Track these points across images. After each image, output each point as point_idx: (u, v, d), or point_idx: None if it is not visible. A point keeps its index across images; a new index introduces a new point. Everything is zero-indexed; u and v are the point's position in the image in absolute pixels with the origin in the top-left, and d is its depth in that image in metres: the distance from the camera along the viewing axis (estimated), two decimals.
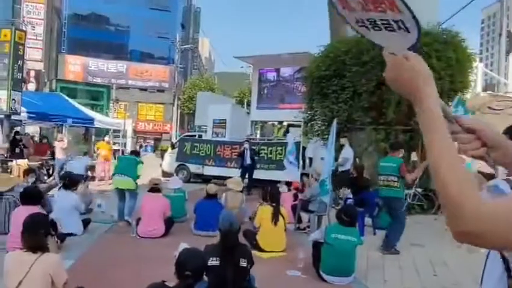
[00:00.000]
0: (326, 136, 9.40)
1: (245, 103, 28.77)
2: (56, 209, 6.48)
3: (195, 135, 17.35)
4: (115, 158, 16.76)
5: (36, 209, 5.09)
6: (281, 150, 13.11)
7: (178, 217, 7.72)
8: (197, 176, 15.56)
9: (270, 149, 13.56)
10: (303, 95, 13.04)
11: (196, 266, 2.81)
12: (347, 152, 10.21)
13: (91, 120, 15.02)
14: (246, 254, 3.81)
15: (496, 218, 0.79)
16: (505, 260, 1.33)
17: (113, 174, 8.04)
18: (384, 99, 9.96)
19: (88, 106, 23.17)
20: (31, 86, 35.38)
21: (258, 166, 13.05)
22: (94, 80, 44.80)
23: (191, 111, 39.98)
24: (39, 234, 3.25)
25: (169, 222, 7.02)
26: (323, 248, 5.01)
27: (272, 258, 5.82)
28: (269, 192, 6.52)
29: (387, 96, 9.88)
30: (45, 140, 15.94)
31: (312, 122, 12.26)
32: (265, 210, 6.21)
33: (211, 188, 7.61)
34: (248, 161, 12.72)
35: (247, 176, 12.75)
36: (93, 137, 19.59)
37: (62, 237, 5.94)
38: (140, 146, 41.67)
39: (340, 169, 9.85)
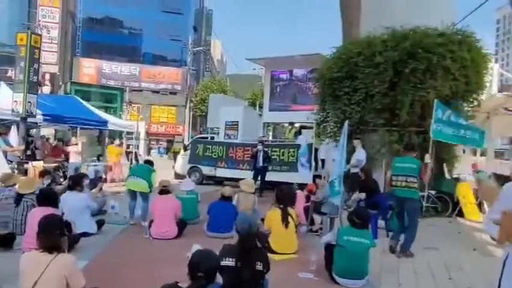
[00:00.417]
0: (339, 138, 9.36)
1: (257, 105, 28.78)
2: (66, 210, 6.54)
3: (207, 137, 17.41)
4: (128, 160, 16.95)
5: (52, 210, 5.17)
6: (293, 152, 13.09)
7: (191, 219, 7.75)
8: (209, 178, 15.61)
9: (282, 150, 13.54)
10: (316, 96, 13.01)
11: (209, 267, 2.81)
12: (360, 154, 10.15)
13: (105, 122, 15.16)
14: (263, 258, 3.80)
15: None
16: None
17: (128, 177, 8.14)
18: (397, 100, 9.89)
19: (102, 108, 23.46)
20: (46, 89, 35.95)
21: (270, 168, 13.04)
22: (108, 83, 45.29)
23: (203, 113, 40.14)
24: (54, 235, 3.29)
25: (181, 224, 7.05)
26: (335, 250, 4.98)
27: (284, 260, 5.80)
28: (276, 194, 6.51)
29: (400, 97, 9.81)
30: (60, 143, 16.12)
31: (325, 124, 12.22)
32: (274, 213, 6.20)
33: (226, 190, 7.63)
34: (261, 162, 12.72)
35: (259, 178, 12.75)
36: (106, 139, 19.78)
37: (77, 238, 6.01)
38: (150, 149, 41.94)
39: (352, 171, 9.80)
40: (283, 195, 6.46)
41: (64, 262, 3.17)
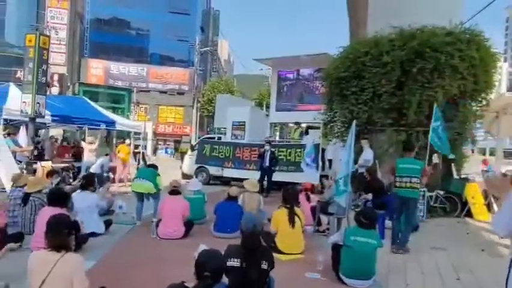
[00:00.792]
0: (346, 138, 9.34)
1: (264, 105, 28.78)
2: (76, 210, 6.60)
3: (214, 138, 17.44)
4: (135, 160, 17.01)
5: (61, 210, 5.21)
6: (300, 152, 13.06)
7: (198, 219, 7.76)
8: (216, 178, 15.63)
9: (289, 151, 13.52)
10: (322, 95, 12.99)
11: (215, 266, 2.82)
12: (368, 154, 10.11)
13: (113, 123, 15.24)
14: (268, 257, 3.81)
15: None
16: None
17: (133, 179, 8.19)
18: (404, 100, 9.85)
19: (110, 109, 23.57)
20: (55, 90, 36.21)
21: (277, 168, 13.02)
22: (115, 83, 45.50)
23: (210, 114, 40.21)
24: (62, 234, 3.31)
25: (188, 224, 7.07)
26: (342, 250, 4.96)
27: (291, 260, 5.79)
28: (282, 194, 6.50)
29: (408, 97, 9.76)
30: (65, 143, 16.24)
31: (332, 124, 12.19)
32: (280, 213, 6.19)
33: (233, 190, 7.64)
34: (267, 163, 12.71)
35: (266, 179, 12.75)
36: (114, 140, 19.88)
37: (85, 237, 6.05)
38: (156, 149, 42.03)
39: (360, 171, 9.77)
40: (289, 195, 6.46)
41: (71, 261, 3.19)
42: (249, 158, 14.15)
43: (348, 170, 7.10)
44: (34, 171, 10.59)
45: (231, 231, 6.83)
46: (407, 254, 6.40)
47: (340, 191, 7.10)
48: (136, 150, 17.57)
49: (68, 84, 40.09)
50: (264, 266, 3.70)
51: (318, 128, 14.13)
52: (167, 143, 47.28)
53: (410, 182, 6.51)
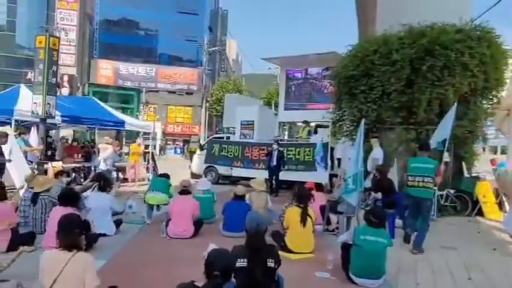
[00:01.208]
0: (355, 137, 9.29)
1: (272, 104, 28.76)
2: (87, 209, 6.65)
3: (223, 137, 17.47)
4: (145, 160, 17.08)
5: (71, 210, 5.26)
6: (309, 151, 13.04)
7: (207, 218, 7.78)
8: (225, 177, 15.67)
9: (298, 150, 13.50)
10: (331, 94, 12.94)
11: (224, 265, 2.83)
12: (377, 153, 10.05)
13: (122, 123, 15.32)
14: (273, 254, 3.80)
15: None
16: None
17: (147, 192, 8.23)
18: (414, 98, 9.78)
19: (119, 109, 23.71)
20: (65, 91, 36.55)
21: (286, 167, 13.01)
22: (125, 84, 45.78)
23: (219, 113, 40.27)
24: (74, 234, 3.35)
25: (198, 224, 7.10)
26: (351, 249, 4.94)
27: (300, 259, 5.79)
28: (297, 192, 6.48)
29: (417, 95, 9.69)
30: (75, 143, 16.36)
31: (341, 123, 12.14)
32: (293, 211, 6.18)
33: (240, 189, 7.65)
34: (274, 162, 12.71)
35: (274, 178, 12.75)
36: (124, 140, 19.99)
37: (95, 237, 6.10)
38: (162, 149, 42.16)
39: (369, 170, 9.72)
40: (304, 194, 6.45)
41: (82, 260, 3.23)
42: (258, 157, 14.15)
43: (357, 168, 7.06)
44: (45, 172, 10.69)
45: (240, 230, 6.82)
46: (421, 254, 6.33)
47: (348, 189, 7.07)
48: (145, 150, 17.62)
49: (78, 84, 40.45)
50: (271, 264, 3.69)
51: (327, 126, 14.09)
52: (176, 142, 47.48)
53: (423, 181, 6.43)
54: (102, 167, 12.57)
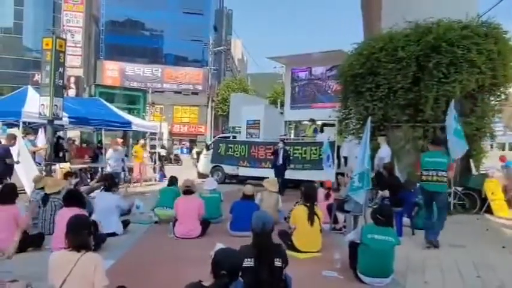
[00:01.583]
0: (361, 135, 9.27)
1: (278, 103, 28.72)
2: (96, 210, 6.69)
3: (229, 137, 17.49)
4: (152, 160, 17.14)
5: (78, 210, 5.29)
6: (315, 150, 13.02)
7: (214, 218, 7.80)
8: (232, 177, 15.69)
9: (304, 148, 13.48)
10: (335, 93, 12.91)
11: (231, 265, 2.83)
12: (384, 151, 10.01)
13: (129, 123, 15.39)
14: (281, 254, 3.79)
15: None
16: None
17: (156, 207, 8.22)
18: (421, 95, 9.73)
19: (125, 110, 23.82)
20: (72, 92, 36.79)
21: (292, 166, 13.00)
22: (131, 85, 45.98)
23: (225, 113, 40.35)
24: (82, 234, 3.36)
25: (205, 223, 7.11)
26: (359, 248, 4.92)
27: (308, 258, 5.78)
28: (304, 191, 6.47)
29: (424, 92, 9.64)
30: (85, 144, 16.46)
31: (347, 121, 12.11)
32: (300, 210, 6.17)
33: (248, 189, 7.65)
34: (281, 160, 12.70)
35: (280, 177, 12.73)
36: (131, 140, 20.07)
37: (104, 237, 6.14)
38: (162, 147, 42.11)
39: (376, 168, 9.68)
40: (310, 193, 6.44)
41: (90, 260, 3.24)
42: (264, 156, 14.16)
43: (363, 167, 7.04)
44: (53, 173, 10.76)
45: (248, 230, 6.83)
46: (435, 249, 6.40)
47: (354, 187, 7.05)
48: (152, 151, 17.70)
49: (85, 86, 40.68)
50: (278, 263, 3.68)
51: (333, 125, 14.06)
52: (183, 142, 47.64)
53: (437, 175, 6.52)
54: (108, 168, 12.64)
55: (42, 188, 7.20)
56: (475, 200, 9.76)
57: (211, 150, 16.35)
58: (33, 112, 10.94)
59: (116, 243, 6.41)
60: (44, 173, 9.80)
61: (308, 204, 6.18)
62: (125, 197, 8.71)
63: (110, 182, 7.46)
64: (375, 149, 9.85)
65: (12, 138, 9.33)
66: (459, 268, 5.54)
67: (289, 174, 12.81)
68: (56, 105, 10.24)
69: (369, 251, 4.78)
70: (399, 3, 11.42)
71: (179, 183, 8.62)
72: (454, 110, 8.33)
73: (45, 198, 6.78)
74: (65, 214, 4.75)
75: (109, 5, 48.43)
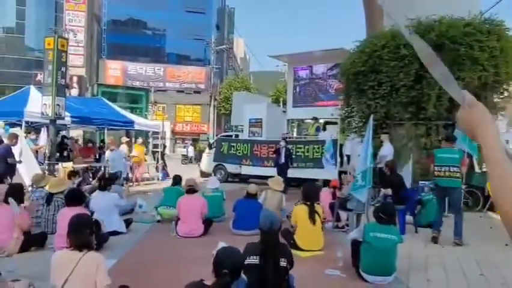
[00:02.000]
0: (364, 133, 9.25)
1: (281, 102, 28.72)
2: (96, 210, 6.70)
3: (231, 135, 17.47)
4: (154, 159, 17.15)
5: (80, 209, 5.30)
6: (318, 148, 12.99)
7: (217, 217, 7.80)
8: (234, 175, 15.68)
9: (307, 147, 13.46)
10: (337, 92, 12.89)
11: (233, 264, 2.82)
12: (386, 149, 9.99)
13: (131, 123, 15.40)
14: (287, 254, 3.79)
15: None
16: None
17: (159, 206, 8.19)
18: (423, 93, 9.69)
19: (128, 109, 23.81)
20: (74, 92, 36.81)
21: (295, 165, 12.98)
22: (133, 84, 46.03)
23: (227, 112, 40.32)
24: (84, 233, 3.37)
25: (207, 222, 7.11)
26: (361, 246, 4.92)
27: (310, 257, 5.77)
28: (303, 191, 6.47)
29: (426, 90, 9.60)
30: (90, 144, 16.48)
31: (349, 119, 12.09)
32: (300, 209, 6.17)
33: (252, 187, 7.65)
34: (283, 159, 12.67)
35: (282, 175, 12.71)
36: (133, 139, 20.10)
37: (106, 236, 6.14)
38: (165, 146, 42.10)
39: (378, 166, 9.66)
40: (311, 192, 6.43)
41: (93, 260, 3.24)
42: (267, 155, 14.14)
43: (366, 165, 7.03)
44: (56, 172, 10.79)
45: (250, 228, 6.83)
46: (460, 246, 6.48)
47: (357, 186, 7.04)
48: (154, 150, 17.73)
49: (87, 85, 40.71)
50: (283, 263, 3.68)
51: (335, 123, 14.03)
52: (186, 141, 47.67)
53: (449, 171, 6.61)
54: (110, 168, 12.67)
55: (43, 187, 7.22)
56: (478, 198, 9.73)
57: (214, 149, 16.35)
58: (35, 112, 10.96)
59: (118, 242, 6.41)
60: (46, 172, 9.83)
61: (308, 203, 6.17)
62: (127, 196, 8.72)
63: (104, 182, 7.46)
64: (377, 147, 9.82)
65: (14, 137, 9.36)
66: (462, 266, 5.52)
67: (291, 173, 12.79)
68: (58, 105, 10.26)
69: (372, 249, 4.77)
70: (402, 1, 11.37)
71: (183, 182, 8.62)
72: None
73: (49, 198, 6.79)
74: (67, 213, 4.76)
75: (111, 4, 48.47)
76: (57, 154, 11.98)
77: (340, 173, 11.91)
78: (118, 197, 7.38)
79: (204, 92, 47.29)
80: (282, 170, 12.61)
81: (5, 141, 9.49)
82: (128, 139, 14.83)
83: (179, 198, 7.24)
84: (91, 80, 43.21)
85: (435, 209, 7.17)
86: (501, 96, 10.38)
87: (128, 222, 7.29)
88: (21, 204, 6.24)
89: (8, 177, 8.64)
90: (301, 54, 16.19)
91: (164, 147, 22.11)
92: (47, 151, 11.15)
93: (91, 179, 12.31)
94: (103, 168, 13.13)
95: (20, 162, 9.30)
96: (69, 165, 11.49)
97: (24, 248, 5.67)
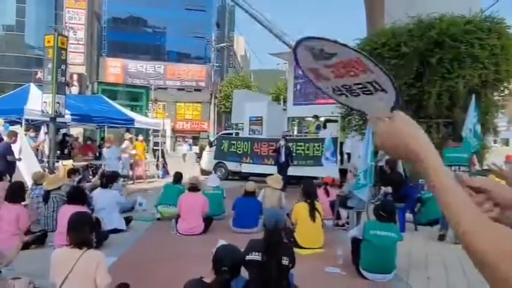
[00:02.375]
0: (364, 131, 9.24)
1: (281, 100, 28.67)
2: (96, 207, 6.70)
3: (232, 133, 17.47)
4: (154, 157, 17.15)
5: (80, 207, 5.29)
6: (318, 146, 12.98)
7: (217, 214, 7.81)
8: (235, 173, 15.68)
9: (307, 145, 13.45)
10: None
11: (232, 261, 2.83)
12: None
13: (131, 121, 15.40)
14: (289, 253, 3.80)
15: None
16: None
17: (159, 204, 8.18)
18: (424, 91, 9.68)
19: (128, 107, 23.80)
20: (74, 89, 36.73)
21: (295, 163, 12.97)
22: (134, 82, 45.97)
23: (228, 109, 40.28)
24: (84, 231, 3.37)
25: (208, 220, 7.11)
26: (362, 244, 4.92)
27: (310, 255, 5.77)
28: (303, 188, 6.47)
29: (427, 88, 9.59)
30: (89, 142, 16.48)
31: (350, 117, 12.07)
32: (301, 207, 6.17)
33: (250, 185, 7.65)
34: (283, 158, 12.66)
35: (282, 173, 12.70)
36: (134, 137, 20.09)
37: (106, 234, 6.15)
38: (164, 143, 42.05)
39: (379, 164, 9.65)
40: (310, 189, 6.43)
41: (92, 258, 3.24)
42: (267, 153, 14.13)
43: (366, 163, 7.03)
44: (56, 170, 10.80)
45: (250, 226, 6.85)
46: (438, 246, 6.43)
47: (360, 184, 7.03)
48: (155, 148, 17.72)
49: (87, 83, 40.65)
50: (285, 262, 3.69)
51: (336, 121, 14.01)
52: (186, 139, 47.64)
53: (459, 170, 6.58)
54: (106, 166, 12.65)
55: (41, 184, 7.23)
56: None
57: (214, 146, 16.34)
58: (35, 109, 10.96)
59: (118, 240, 6.42)
60: (46, 170, 9.83)
61: (309, 201, 6.17)
62: (127, 195, 8.72)
63: (106, 179, 7.47)
64: None
65: (13, 135, 9.35)
66: (462, 264, 5.52)
67: (291, 171, 12.78)
68: (58, 103, 10.27)
69: (372, 247, 4.77)
70: None
71: (183, 180, 8.62)
72: (474, 107, 8.18)
73: (46, 195, 6.80)
74: (67, 211, 4.75)
75: (111, 2, 48.32)
76: (59, 152, 12.00)
77: (340, 171, 11.90)
78: (119, 195, 7.40)
79: (204, 90, 47.23)
80: (282, 169, 12.60)
81: (5, 139, 9.49)
82: (131, 135, 14.79)
83: (181, 196, 7.25)
84: (91, 78, 43.15)
85: (438, 207, 7.14)
86: (501, 94, 10.36)
87: (128, 220, 7.30)
88: (23, 203, 6.23)
89: (8, 175, 8.63)
90: None
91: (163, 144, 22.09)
92: (46, 148, 11.13)
93: (90, 177, 12.32)
94: (103, 166, 13.13)
95: (19, 160, 9.30)
96: (69, 163, 11.50)
97: (24, 245, 5.66)
